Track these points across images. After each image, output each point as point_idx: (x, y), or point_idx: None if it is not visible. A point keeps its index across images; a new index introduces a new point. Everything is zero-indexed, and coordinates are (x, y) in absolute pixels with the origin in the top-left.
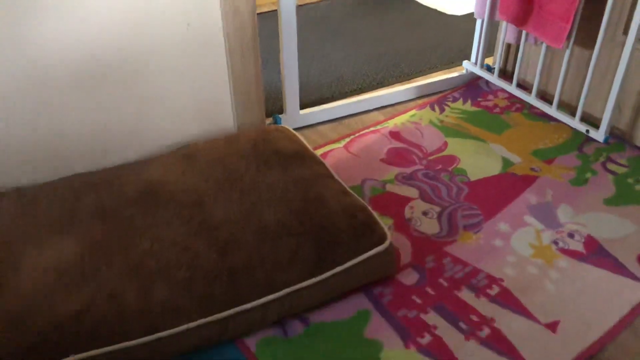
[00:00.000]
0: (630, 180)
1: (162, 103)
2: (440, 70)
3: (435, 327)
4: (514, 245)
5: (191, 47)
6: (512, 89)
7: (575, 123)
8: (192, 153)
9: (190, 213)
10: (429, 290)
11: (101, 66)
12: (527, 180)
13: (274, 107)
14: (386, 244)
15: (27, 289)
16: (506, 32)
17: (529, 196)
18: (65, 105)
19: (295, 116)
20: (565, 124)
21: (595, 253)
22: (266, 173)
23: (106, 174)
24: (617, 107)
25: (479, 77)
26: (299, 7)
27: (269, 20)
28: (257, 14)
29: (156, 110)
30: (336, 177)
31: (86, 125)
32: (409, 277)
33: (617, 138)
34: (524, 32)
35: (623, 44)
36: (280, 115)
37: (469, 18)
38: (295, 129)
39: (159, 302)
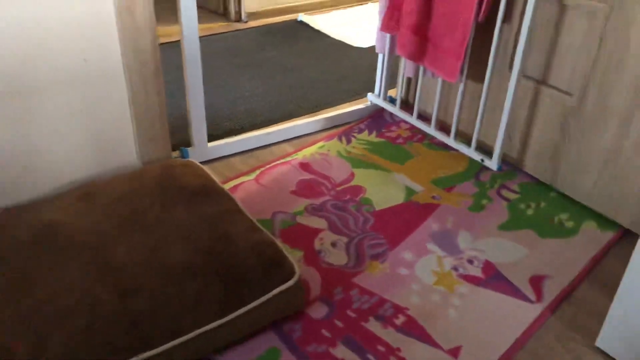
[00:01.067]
0: (522, 206)
1: (58, 139)
2: (347, 102)
3: None
4: (418, 273)
5: (89, 82)
6: (413, 120)
7: (471, 152)
8: (92, 192)
9: (90, 256)
10: (338, 322)
11: None
12: (428, 208)
13: (182, 139)
14: (295, 279)
15: None
16: (405, 66)
17: (431, 224)
18: None
19: (203, 149)
20: (462, 153)
21: (493, 277)
22: (171, 210)
23: None
24: (508, 136)
25: (383, 109)
26: (207, 37)
27: (177, 49)
28: (166, 42)
29: (52, 147)
30: (245, 212)
31: None
32: (318, 311)
33: (510, 165)
34: (421, 66)
35: (509, 78)
36: (187, 149)
37: (374, 50)
38: (203, 162)
39: (55, 355)
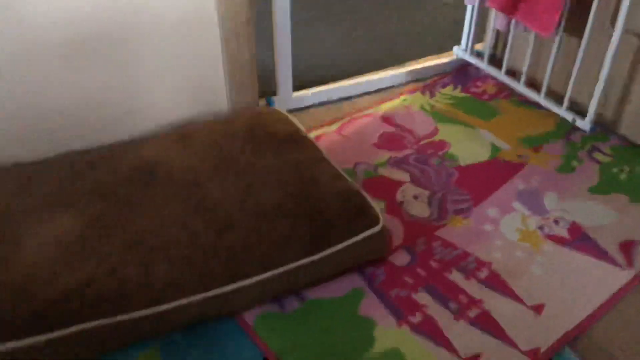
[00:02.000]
0: (614, 170)
1: (156, 83)
2: (432, 55)
3: (426, 307)
4: (502, 229)
5: (187, 28)
6: (501, 76)
7: (562, 111)
8: (188, 133)
9: (188, 192)
10: (420, 271)
11: (95, 45)
12: (515, 167)
13: (267, 88)
14: (379, 226)
15: (29, 262)
16: (496, 19)
17: (517, 182)
18: (61, 81)
19: (288, 98)
20: (553, 112)
21: (579, 239)
22: (261, 155)
23: (102, 151)
24: (604, 96)
25: (469, 63)
26: None
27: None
28: None
29: (151, 90)
30: (330, 160)
31: (81, 101)
32: (401, 259)
33: (603, 127)
34: (513, 20)
35: (611, 34)
36: (273, 98)
37: (461, 3)
38: (287, 112)
39: (160, 278)
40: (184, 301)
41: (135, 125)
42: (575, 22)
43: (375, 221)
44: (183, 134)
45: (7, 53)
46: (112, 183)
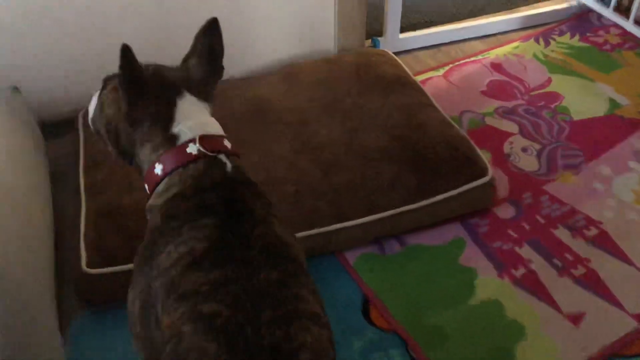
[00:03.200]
0: None
1: (266, 22)
2: (548, 0)
3: (529, 261)
4: (615, 189)
5: None
6: (629, 25)
7: None
8: (295, 72)
9: (295, 131)
10: (525, 225)
11: None
12: (634, 125)
13: (372, 29)
14: (487, 178)
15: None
16: None
17: (636, 141)
18: (178, 20)
19: (394, 40)
20: None
21: None
22: (368, 97)
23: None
24: None
25: (591, 10)
26: None
27: None
28: None
29: (261, 28)
30: (437, 106)
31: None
32: (506, 211)
33: None
34: None
35: None
36: (379, 38)
37: None
38: (393, 54)
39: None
40: None
41: (244, 62)
42: None
43: (484, 172)
44: (290, 73)
45: None
46: (222, 118)
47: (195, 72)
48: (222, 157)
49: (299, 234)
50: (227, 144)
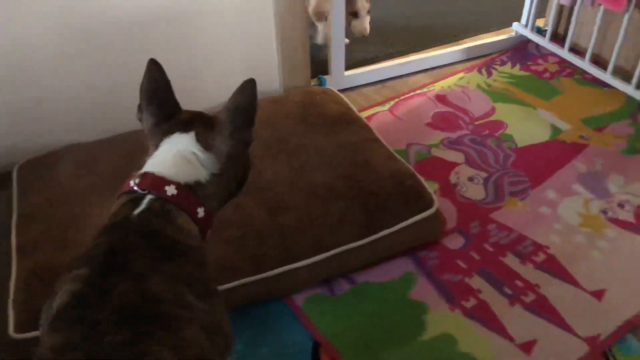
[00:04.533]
0: None
1: (211, 63)
2: (489, 31)
3: (480, 291)
4: (561, 213)
5: (241, 9)
6: (564, 53)
7: (631, 90)
8: None
9: None
10: (474, 255)
11: (153, 24)
12: (576, 148)
13: (319, 68)
14: (433, 209)
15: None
16: None
17: (578, 164)
18: (118, 62)
19: (340, 78)
20: (619, 90)
21: None
22: (313, 136)
23: None
24: None
25: (529, 40)
26: None
27: None
28: None
29: (205, 70)
30: (382, 141)
31: (138, 81)
32: (454, 242)
33: None
34: None
35: None
36: (325, 77)
37: None
38: (340, 91)
39: (213, 261)
40: (235, 283)
41: (188, 106)
42: None
43: (430, 204)
44: None
45: (69, 38)
46: None
47: (213, 122)
48: (148, 197)
49: (244, 280)
50: (171, 190)
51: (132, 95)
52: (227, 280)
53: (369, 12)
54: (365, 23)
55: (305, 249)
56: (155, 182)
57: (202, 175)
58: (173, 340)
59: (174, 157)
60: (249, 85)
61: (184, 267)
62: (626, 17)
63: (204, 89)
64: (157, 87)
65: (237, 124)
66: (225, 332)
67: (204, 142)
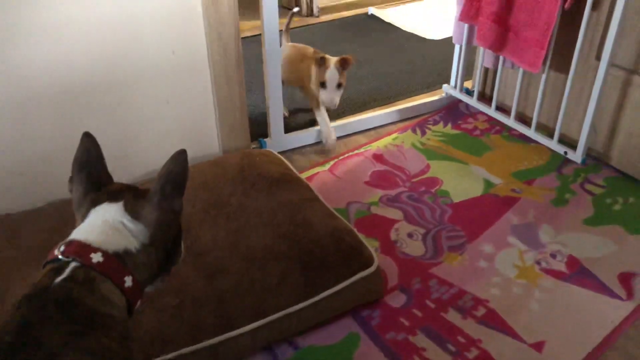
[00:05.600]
0: (608, 201)
1: (147, 128)
2: (421, 93)
3: (424, 350)
4: (498, 266)
5: (176, 73)
6: (491, 111)
7: (554, 145)
8: None
9: None
10: (416, 312)
11: (86, 91)
12: (508, 202)
13: (259, 130)
14: (374, 267)
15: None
16: (484, 57)
17: (511, 217)
18: (50, 130)
19: (280, 139)
20: (544, 145)
21: (578, 272)
22: (252, 197)
23: None
24: (593, 129)
25: (459, 100)
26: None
27: (251, 44)
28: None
29: (141, 135)
30: (322, 200)
31: (71, 150)
32: (397, 300)
33: (594, 159)
34: (501, 57)
35: (596, 68)
36: (265, 139)
37: (448, 42)
38: (280, 153)
39: (147, 331)
40: (172, 355)
41: (125, 171)
42: (561, 57)
43: (370, 262)
44: None
45: None
46: None
47: (143, 193)
48: (72, 265)
49: (182, 351)
50: (97, 258)
51: (61, 165)
52: (162, 352)
53: (341, 85)
54: (332, 95)
55: (245, 314)
56: (81, 249)
57: (131, 244)
58: None
59: (102, 225)
60: (181, 156)
61: (103, 341)
62: (543, 77)
63: (140, 153)
64: (88, 158)
65: (166, 192)
66: None
67: (133, 211)
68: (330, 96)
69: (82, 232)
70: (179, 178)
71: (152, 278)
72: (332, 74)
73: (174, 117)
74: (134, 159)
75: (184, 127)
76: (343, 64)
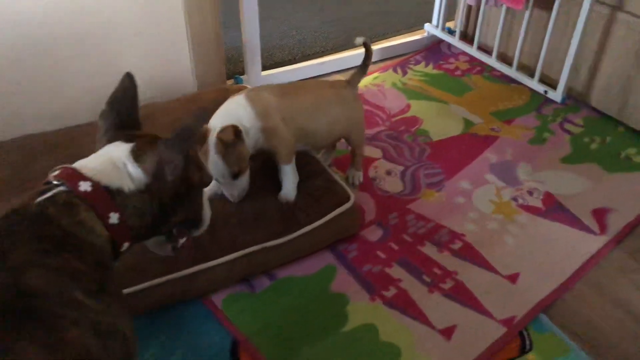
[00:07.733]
0: (586, 140)
1: (117, 63)
2: (403, 33)
3: (399, 281)
4: (475, 202)
5: (148, 5)
6: (473, 51)
7: (534, 84)
8: (150, 113)
9: None
10: (393, 245)
11: (54, 26)
12: (487, 140)
13: (236, 68)
14: (350, 203)
15: None
16: None
17: (490, 155)
18: (19, 64)
19: (256, 78)
20: (524, 85)
21: (553, 208)
22: None
23: (61, 135)
24: (575, 68)
25: (441, 40)
26: None
27: None
28: None
29: (111, 70)
30: None
31: (39, 85)
32: (374, 234)
33: (574, 99)
34: None
35: (580, 4)
36: (241, 77)
37: None
38: None
39: (121, 261)
40: (145, 284)
41: (95, 106)
42: None
43: (346, 198)
44: (148, 114)
45: None
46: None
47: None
48: (58, 188)
49: (155, 281)
50: (85, 186)
51: (29, 100)
52: (135, 282)
53: (239, 172)
54: (230, 188)
55: (220, 247)
56: (71, 175)
57: (126, 184)
58: (49, 339)
59: (105, 161)
60: (203, 114)
61: (72, 263)
62: (526, 15)
63: (111, 89)
64: (123, 97)
65: (170, 144)
66: (124, 336)
67: (138, 156)
68: (228, 191)
69: (83, 162)
70: (186, 134)
71: (146, 230)
72: (214, 163)
73: (146, 51)
74: (104, 93)
75: (157, 62)
76: (226, 144)
